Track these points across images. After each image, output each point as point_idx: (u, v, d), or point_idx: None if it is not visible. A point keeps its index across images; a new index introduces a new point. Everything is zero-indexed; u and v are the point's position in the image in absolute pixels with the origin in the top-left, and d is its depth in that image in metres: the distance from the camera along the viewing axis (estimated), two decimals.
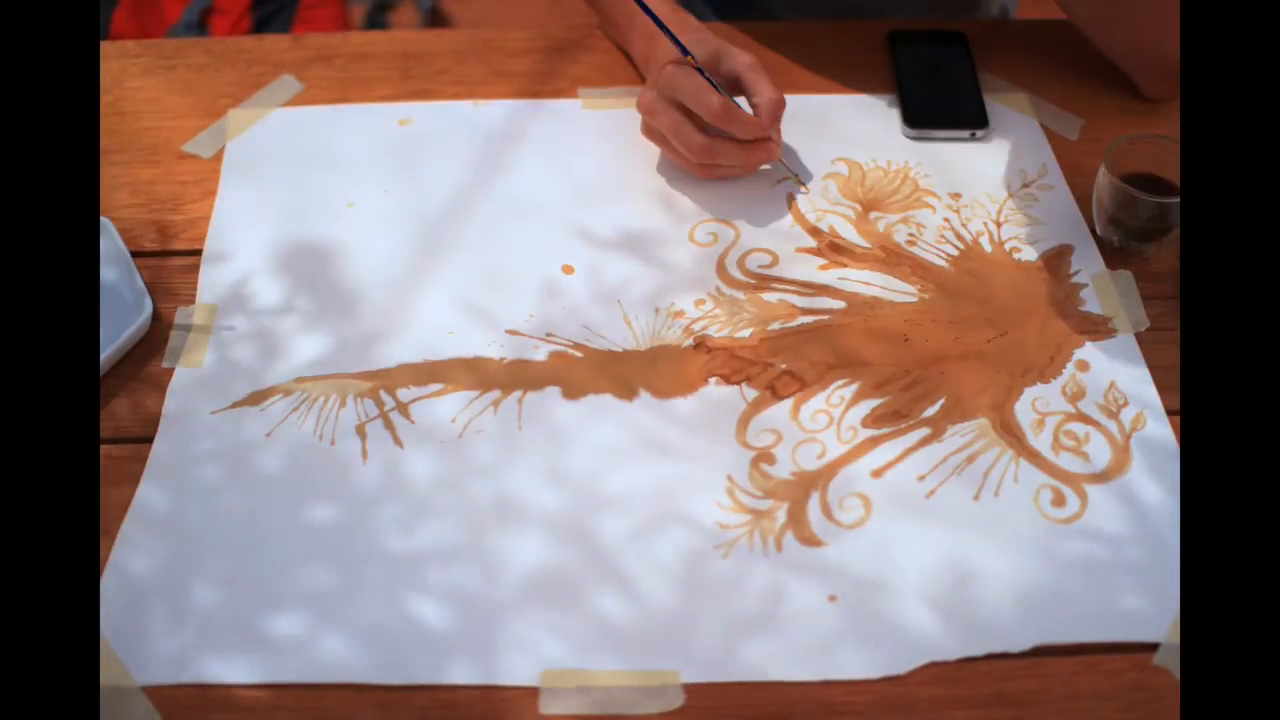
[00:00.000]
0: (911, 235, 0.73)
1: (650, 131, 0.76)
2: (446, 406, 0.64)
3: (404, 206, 0.75)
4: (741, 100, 0.75)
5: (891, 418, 0.64)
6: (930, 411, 0.64)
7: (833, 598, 0.56)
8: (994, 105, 0.82)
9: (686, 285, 0.70)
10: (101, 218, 0.71)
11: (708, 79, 0.71)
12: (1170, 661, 0.54)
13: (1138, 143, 0.70)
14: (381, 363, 0.66)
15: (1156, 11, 0.74)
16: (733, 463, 0.62)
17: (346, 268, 0.71)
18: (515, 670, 0.54)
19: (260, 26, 1.53)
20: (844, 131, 0.80)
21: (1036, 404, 0.64)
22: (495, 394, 0.65)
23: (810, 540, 0.58)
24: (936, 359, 0.67)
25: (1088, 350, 0.67)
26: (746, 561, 0.58)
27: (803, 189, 0.76)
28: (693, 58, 0.72)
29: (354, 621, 0.56)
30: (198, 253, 0.72)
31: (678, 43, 0.72)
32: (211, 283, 0.70)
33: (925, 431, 0.63)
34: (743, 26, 0.90)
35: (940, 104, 0.81)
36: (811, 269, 0.71)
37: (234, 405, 0.64)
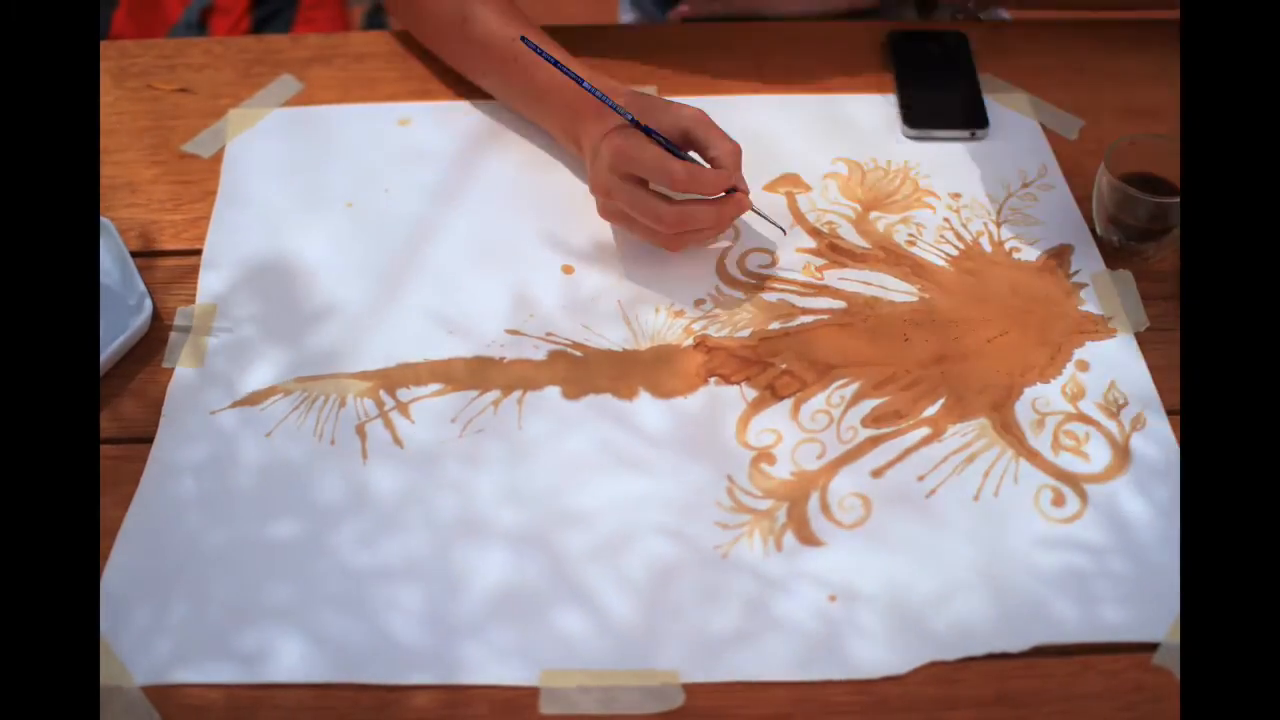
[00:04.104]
0: (911, 235, 0.73)
1: (610, 212, 0.69)
2: (446, 406, 0.64)
3: (404, 206, 0.75)
4: (693, 156, 0.69)
5: (891, 418, 0.64)
6: (930, 411, 0.64)
7: (832, 598, 0.56)
8: (994, 105, 0.82)
9: (686, 285, 0.70)
10: (101, 218, 0.71)
11: (659, 139, 0.66)
12: (1170, 661, 0.54)
13: (1138, 143, 0.70)
14: (381, 362, 0.66)
15: None
16: (733, 463, 0.62)
17: (346, 267, 0.71)
18: (515, 670, 0.54)
19: (260, 26, 1.53)
20: (844, 131, 0.80)
21: (1036, 404, 0.64)
22: (495, 394, 0.65)
23: (810, 540, 0.58)
24: (936, 359, 0.67)
25: (1088, 350, 0.67)
26: (746, 561, 0.58)
27: (783, 232, 0.72)
28: (634, 120, 0.66)
29: (365, 620, 0.56)
30: (197, 253, 0.72)
31: (617, 109, 0.67)
32: (211, 283, 0.70)
33: (925, 431, 0.63)
34: (741, 29, 0.90)
35: (940, 104, 0.81)
36: (812, 269, 0.71)
37: (234, 405, 0.64)
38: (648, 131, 0.66)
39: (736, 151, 0.68)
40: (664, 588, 0.57)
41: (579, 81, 0.68)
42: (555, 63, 0.69)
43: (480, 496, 0.60)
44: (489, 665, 0.54)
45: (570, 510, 0.60)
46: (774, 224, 0.71)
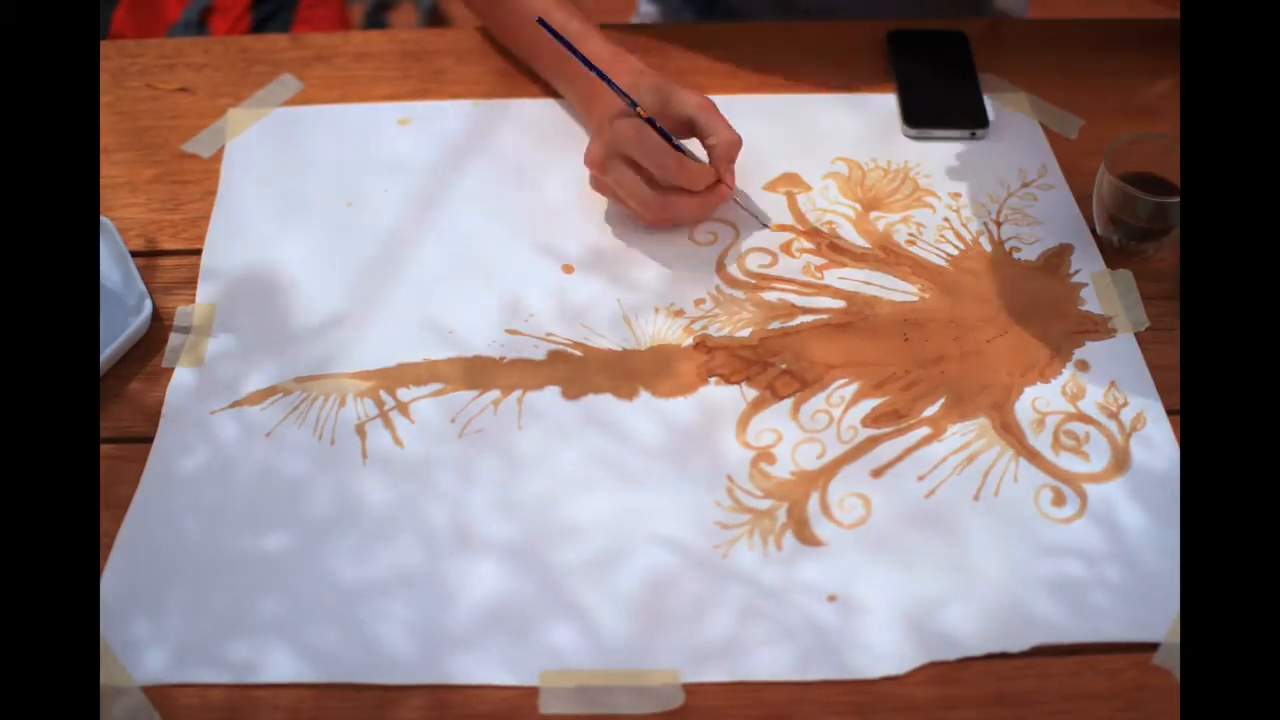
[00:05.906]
0: (911, 235, 0.73)
1: (600, 185, 0.73)
2: (446, 406, 0.64)
3: (403, 205, 0.75)
4: (694, 143, 0.72)
5: (891, 418, 0.64)
6: (930, 411, 0.64)
7: (832, 597, 0.56)
8: (994, 105, 0.82)
9: (686, 285, 0.70)
10: (101, 218, 0.71)
11: (658, 130, 0.69)
12: (1170, 661, 0.54)
13: (1138, 143, 0.70)
14: (381, 362, 0.66)
15: None
16: (733, 463, 0.62)
17: (346, 266, 0.71)
18: (514, 670, 0.54)
19: (260, 26, 1.52)
20: (844, 131, 0.80)
21: (1036, 404, 0.64)
22: (495, 394, 0.65)
23: (810, 540, 0.58)
24: (936, 359, 0.67)
25: (1088, 350, 0.67)
26: (746, 561, 0.58)
27: (764, 226, 0.73)
28: (639, 109, 0.69)
29: (359, 629, 0.56)
30: (197, 253, 0.72)
31: (624, 95, 0.70)
32: (211, 283, 0.70)
33: (925, 431, 0.63)
34: (741, 29, 0.90)
35: (940, 104, 0.81)
36: (812, 269, 0.71)
37: (234, 405, 0.64)
38: (650, 122, 0.69)
39: (735, 143, 0.71)
40: (664, 588, 0.57)
41: (589, 66, 0.72)
42: (568, 45, 0.72)
43: (479, 501, 0.60)
44: (485, 672, 0.54)
45: (570, 513, 0.60)
46: (755, 216, 0.74)
